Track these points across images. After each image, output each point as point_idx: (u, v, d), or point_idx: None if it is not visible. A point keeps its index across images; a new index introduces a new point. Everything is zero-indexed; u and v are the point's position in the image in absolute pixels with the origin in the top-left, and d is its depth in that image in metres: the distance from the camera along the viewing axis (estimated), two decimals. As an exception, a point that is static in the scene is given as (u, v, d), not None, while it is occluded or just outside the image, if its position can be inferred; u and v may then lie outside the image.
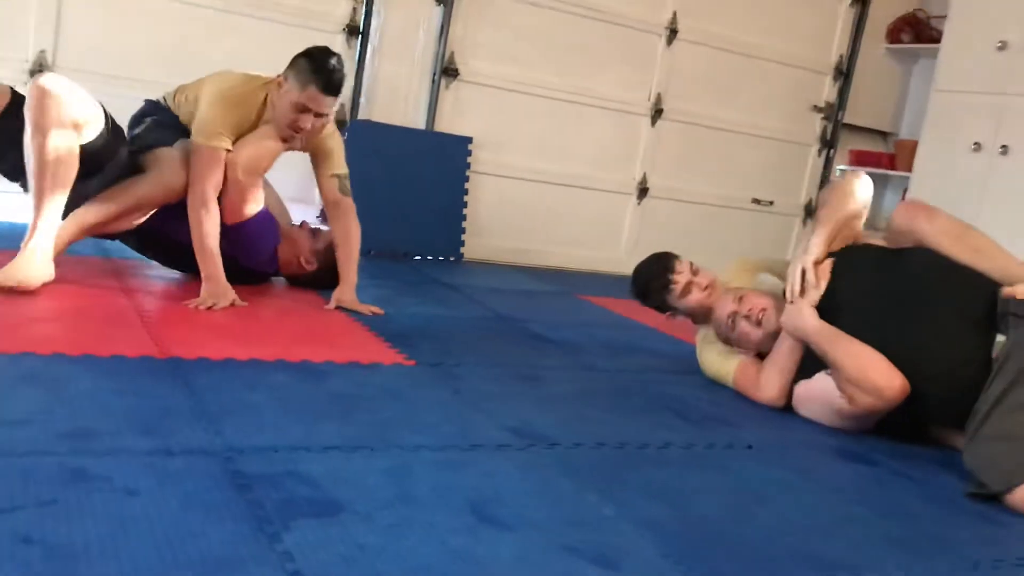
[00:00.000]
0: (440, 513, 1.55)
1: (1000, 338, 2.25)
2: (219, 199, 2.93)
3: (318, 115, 2.90)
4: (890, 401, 2.26)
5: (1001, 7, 4.88)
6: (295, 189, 3.70)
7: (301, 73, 2.86)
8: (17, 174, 2.81)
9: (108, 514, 1.35)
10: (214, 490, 1.50)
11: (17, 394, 1.82)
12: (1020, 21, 4.78)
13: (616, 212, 5.17)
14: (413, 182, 4.50)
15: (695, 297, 2.79)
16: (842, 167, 5.80)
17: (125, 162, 2.90)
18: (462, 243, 4.65)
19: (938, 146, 5.15)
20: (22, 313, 2.39)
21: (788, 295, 2.55)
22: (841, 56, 5.59)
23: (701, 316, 2.85)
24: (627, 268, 2.99)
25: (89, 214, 2.82)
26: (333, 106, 2.94)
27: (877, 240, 2.68)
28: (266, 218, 3.10)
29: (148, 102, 3.15)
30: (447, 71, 4.54)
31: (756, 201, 5.53)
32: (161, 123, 3.04)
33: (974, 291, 2.32)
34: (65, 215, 2.76)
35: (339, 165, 3.15)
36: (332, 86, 2.86)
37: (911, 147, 5.39)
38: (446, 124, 4.61)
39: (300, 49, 2.93)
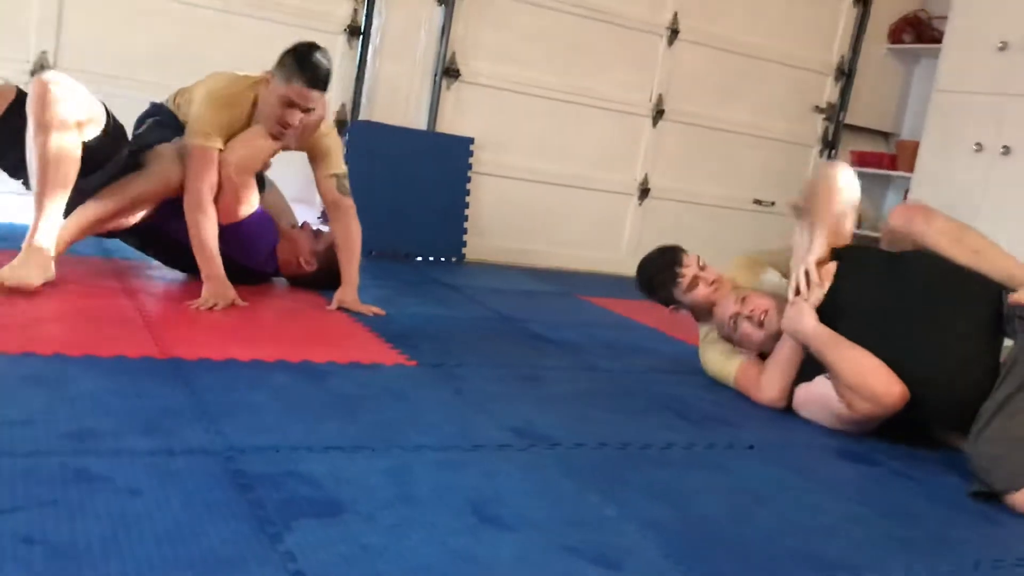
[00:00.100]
0: (441, 513, 1.55)
1: (1007, 342, 2.25)
2: (215, 200, 2.94)
3: (305, 110, 2.90)
4: (888, 408, 2.26)
5: (1002, 8, 4.88)
6: (296, 189, 3.70)
7: (286, 69, 2.87)
8: (20, 171, 2.82)
9: (110, 514, 1.36)
10: (216, 490, 1.50)
11: (19, 394, 1.82)
12: (1021, 21, 4.78)
13: (617, 213, 5.17)
14: (414, 183, 4.50)
15: (701, 292, 2.78)
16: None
17: (126, 161, 2.90)
18: (463, 244, 4.65)
19: (939, 147, 5.15)
20: (24, 313, 2.39)
21: (790, 295, 2.54)
22: (842, 56, 5.59)
23: (704, 312, 2.84)
24: (628, 269, 2.99)
25: (89, 211, 2.82)
26: (321, 101, 2.93)
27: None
28: (262, 217, 3.11)
29: (153, 104, 3.17)
30: (448, 71, 4.54)
31: (757, 202, 5.53)
32: (162, 123, 3.05)
33: (980, 296, 2.31)
34: (66, 214, 2.77)
35: (337, 165, 3.15)
36: (316, 80, 2.86)
37: (912, 148, 5.39)
38: (447, 125, 4.61)
39: (300, 50, 2.93)
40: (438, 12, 4.49)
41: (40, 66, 3.72)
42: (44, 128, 2.60)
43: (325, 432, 1.86)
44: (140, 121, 3.12)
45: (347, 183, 3.16)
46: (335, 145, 3.17)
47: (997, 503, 2.02)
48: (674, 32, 5.03)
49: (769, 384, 2.57)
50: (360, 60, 4.38)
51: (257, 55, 2.99)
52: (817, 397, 2.43)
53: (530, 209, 4.88)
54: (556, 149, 4.91)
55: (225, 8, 4.02)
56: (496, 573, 1.39)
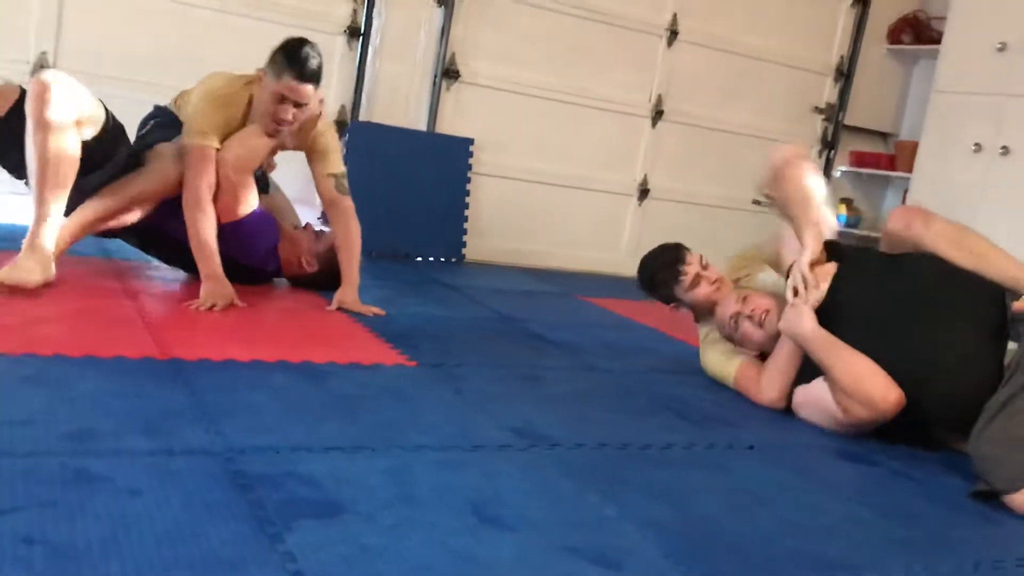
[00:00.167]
0: (441, 514, 1.55)
1: (1012, 346, 2.24)
2: (214, 199, 2.94)
3: (298, 105, 2.90)
4: (884, 414, 2.25)
5: (1001, 8, 4.88)
6: (296, 189, 3.70)
7: (276, 65, 2.87)
8: (22, 171, 2.82)
9: (110, 514, 1.36)
10: (215, 490, 1.50)
11: (19, 395, 1.82)
12: (1020, 22, 4.78)
13: (617, 213, 5.18)
14: (414, 183, 4.50)
15: (703, 291, 2.78)
16: (843, 167, 5.80)
17: (126, 160, 2.91)
18: (463, 244, 4.65)
19: (938, 147, 5.15)
20: (24, 314, 2.39)
21: (788, 297, 2.54)
22: (842, 57, 5.59)
23: (704, 312, 2.84)
24: (628, 269, 2.99)
25: (89, 211, 2.83)
26: (313, 95, 2.93)
27: None
28: (262, 216, 3.11)
29: (156, 107, 3.19)
30: (448, 72, 4.54)
31: (757, 202, 5.53)
32: (164, 124, 3.07)
33: (984, 299, 2.30)
34: (66, 214, 2.77)
35: (335, 164, 3.16)
36: (307, 74, 2.86)
37: (911, 148, 5.40)
38: (447, 125, 4.61)
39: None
40: (438, 13, 4.49)
41: (40, 67, 3.71)
42: (43, 127, 2.60)
43: (325, 432, 1.86)
44: (143, 123, 3.14)
45: (346, 183, 3.16)
46: (333, 145, 3.17)
47: (997, 503, 2.02)
48: (673, 33, 5.04)
49: (769, 385, 2.57)
50: (360, 61, 4.38)
51: (256, 56, 2.99)
52: (815, 399, 2.43)
53: (530, 210, 4.89)
54: (556, 150, 4.91)
55: (224, 9, 4.02)
56: (496, 573, 1.39)
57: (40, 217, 2.65)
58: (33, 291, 2.55)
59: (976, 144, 4.92)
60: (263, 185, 3.41)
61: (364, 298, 3.06)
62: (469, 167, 4.67)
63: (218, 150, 2.93)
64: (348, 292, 3.03)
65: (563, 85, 4.83)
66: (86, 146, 2.71)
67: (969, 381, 2.22)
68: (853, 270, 2.52)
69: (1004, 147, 4.80)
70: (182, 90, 3.12)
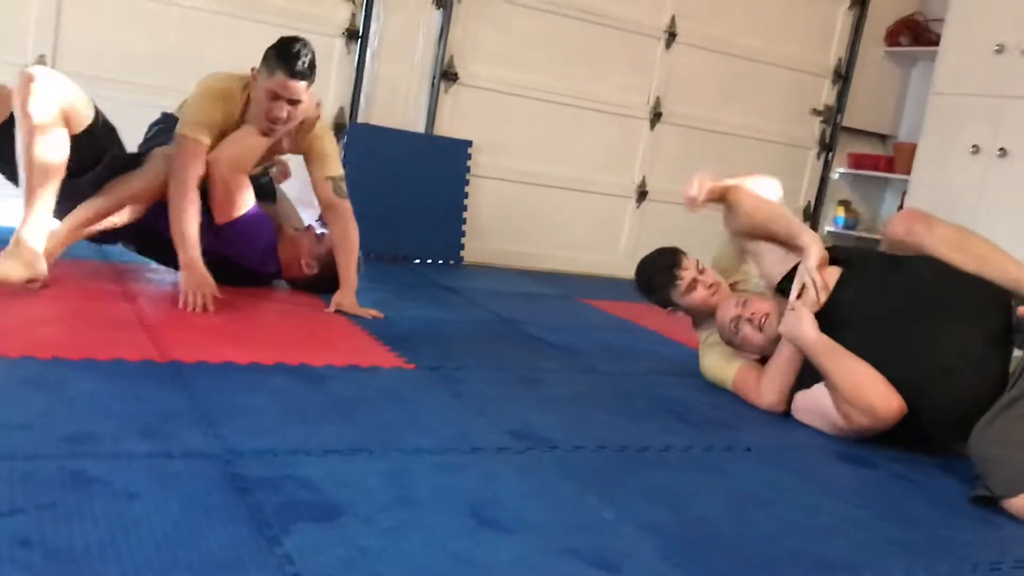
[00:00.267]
0: (440, 516, 1.55)
1: (1017, 352, 2.23)
2: (208, 199, 2.95)
3: (291, 102, 2.90)
4: (885, 423, 2.24)
5: (999, 10, 4.89)
6: (295, 191, 3.70)
7: (269, 62, 2.88)
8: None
9: (108, 517, 1.35)
10: (214, 493, 1.50)
11: (17, 398, 1.82)
12: (1018, 24, 4.79)
13: (615, 215, 5.18)
14: (413, 185, 4.50)
15: (699, 295, 2.78)
16: (841, 169, 5.81)
17: (122, 162, 2.91)
18: (462, 246, 4.65)
19: (937, 149, 5.15)
20: (22, 317, 2.39)
21: (791, 300, 2.52)
22: (840, 59, 5.60)
23: (702, 315, 2.84)
24: (626, 271, 2.99)
25: (83, 211, 2.84)
26: (307, 92, 2.93)
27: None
28: (257, 216, 3.10)
29: (164, 114, 3.21)
30: (446, 75, 4.54)
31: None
32: (167, 130, 3.08)
33: (988, 305, 2.29)
34: (61, 217, 2.78)
35: (333, 167, 3.15)
36: (298, 71, 2.85)
37: (910, 150, 5.40)
38: (446, 127, 4.61)
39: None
40: (436, 15, 4.49)
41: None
42: (28, 117, 2.61)
43: (323, 435, 1.86)
44: (149, 129, 3.16)
45: (343, 185, 3.16)
46: (331, 147, 3.17)
47: (995, 507, 2.02)
48: (672, 35, 5.04)
49: (768, 388, 2.56)
50: (358, 63, 4.38)
51: (255, 58, 2.99)
52: (815, 405, 2.43)
53: (528, 212, 4.89)
54: (554, 152, 4.91)
55: (223, 11, 4.02)
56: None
57: (29, 213, 2.66)
58: (21, 288, 2.55)
59: (974, 146, 4.93)
60: (269, 193, 3.42)
61: (362, 300, 3.06)
62: (467, 169, 4.67)
63: (211, 148, 2.93)
64: (346, 294, 3.04)
65: (561, 87, 4.83)
66: (76, 142, 2.71)
67: (971, 384, 2.21)
68: (856, 274, 2.51)
69: (1002, 149, 4.81)
70: (186, 97, 3.12)
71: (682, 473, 2.00)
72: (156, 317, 2.62)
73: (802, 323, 2.43)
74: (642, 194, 5.21)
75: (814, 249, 2.53)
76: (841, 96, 5.64)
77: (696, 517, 1.75)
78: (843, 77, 5.62)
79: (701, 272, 2.80)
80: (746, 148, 5.39)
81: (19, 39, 3.72)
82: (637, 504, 1.75)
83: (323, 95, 3.97)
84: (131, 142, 3.12)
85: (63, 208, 2.87)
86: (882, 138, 5.96)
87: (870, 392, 2.24)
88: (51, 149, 2.65)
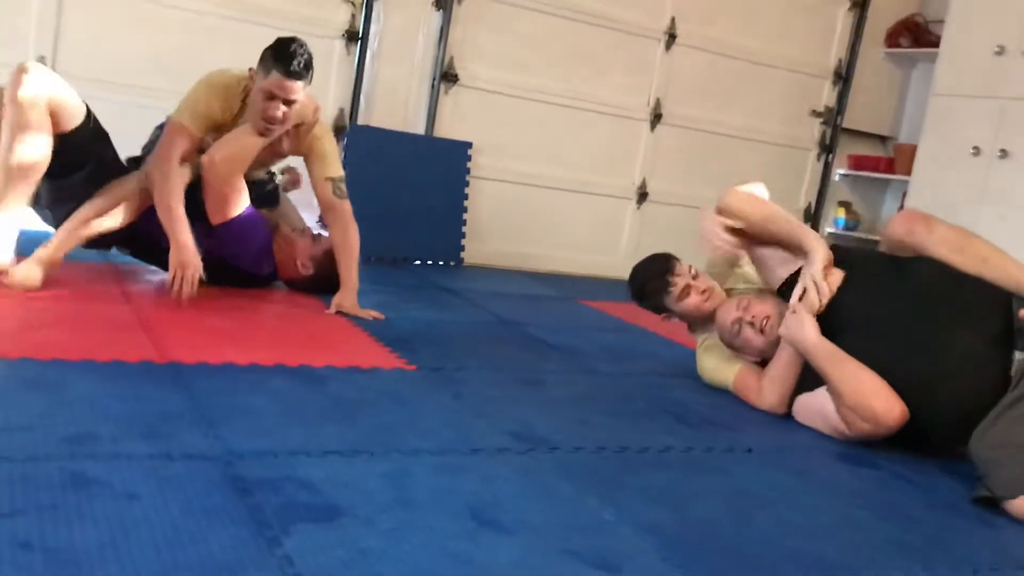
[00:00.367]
0: (440, 517, 1.55)
1: (1018, 355, 2.22)
2: (203, 200, 2.96)
3: (287, 102, 2.91)
4: (888, 429, 2.24)
5: (999, 12, 4.89)
6: (296, 192, 3.71)
7: (265, 62, 2.88)
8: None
9: (108, 519, 1.35)
10: (214, 494, 1.50)
11: (17, 399, 1.82)
12: (1018, 25, 4.79)
13: (616, 217, 5.18)
14: (413, 187, 4.50)
15: (693, 301, 2.78)
16: (841, 171, 5.81)
17: (117, 167, 2.92)
18: (462, 248, 4.65)
19: (937, 150, 5.15)
20: (22, 318, 2.39)
21: (792, 302, 2.50)
22: (840, 60, 5.60)
23: (697, 321, 2.84)
24: (626, 273, 2.99)
25: (79, 214, 2.84)
26: (302, 91, 2.93)
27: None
28: (252, 217, 3.10)
29: (168, 117, 3.20)
30: (446, 76, 4.54)
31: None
32: None
33: (989, 307, 2.28)
34: (56, 225, 2.81)
35: (333, 168, 3.15)
36: (294, 70, 2.85)
37: (910, 151, 5.40)
38: (445, 129, 4.61)
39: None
40: (436, 17, 4.49)
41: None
42: (15, 103, 2.64)
43: (324, 436, 1.86)
44: (153, 133, 3.17)
45: (343, 187, 3.16)
46: (331, 148, 3.17)
47: (997, 509, 2.02)
48: (672, 36, 5.04)
49: (769, 391, 2.56)
50: (358, 65, 4.39)
51: (256, 61, 3.00)
52: (817, 408, 2.42)
53: (528, 213, 4.89)
54: (554, 153, 4.91)
55: (224, 14, 4.02)
56: (495, 577, 1.39)
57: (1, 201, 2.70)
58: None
59: (975, 147, 4.93)
60: (272, 198, 3.42)
61: (363, 302, 3.06)
62: (467, 171, 4.67)
63: (203, 141, 2.94)
64: (347, 296, 3.04)
65: (562, 89, 4.83)
66: (62, 140, 2.73)
67: (973, 387, 2.20)
68: (858, 277, 2.49)
69: (1003, 150, 4.81)
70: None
71: (682, 474, 2.00)
72: (156, 318, 2.62)
73: (803, 326, 2.42)
74: (642, 195, 5.21)
75: (819, 253, 2.51)
76: (841, 97, 5.64)
77: (696, 518, 1.75)
78: (843, 78, 5.62)
79: (694, 278, 2.79)
80: (746, 149, 5.39)
81: (19, 41, 3.72)
82: (637, 505, 1.75)
83: (323, 97, 3.97)
84: (131, 144, 3.12)
85: (57, 213, 2.88)
86: (882, 139, 5.96)
87: (872, 398, 2.23)
88: (33, 147, 2.67)
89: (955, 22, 5.10)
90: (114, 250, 3.20)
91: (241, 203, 3.05)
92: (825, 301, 2.46)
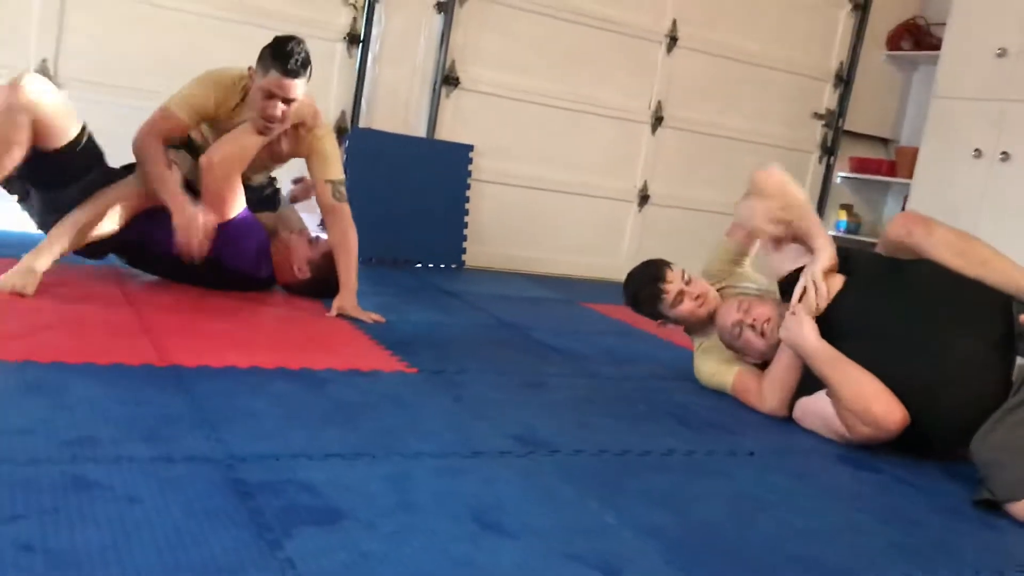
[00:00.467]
0: (442, 520, 1.55)
1: (1020, 360, 2.21)
2: (199, 200, 2.97)
3: (286, 100, 2.91)
4: (889, 434, 2.23)
5: (1000, 14, 4.89)
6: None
7: (264, 60, 2.90)
8: (24, 197, 2.91)
9: (110, 522, 1.35)
10: (216, 497, 1.50)
11: (19, 403, 1.82)
12: (1019, 27, 4.79)
13: (617, 219, 5.18)
14: (414, 190, 4.50)
15: (686, 307, 2.76)
16: (843, 173, 5.81)
17: (110, 177, 2.93)
18: (463, 250, 4.66)
19: (939, 153, 5.15)
20: (23, 321, 2.39)
21: (792, 303, 2.50)
22: (841, 63, 5.60)
23: (692, 325, 2.83)
24: (628, 275, 2.99)
25: (69, 219, 2.83)
26: (300, 90, 2.93)
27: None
28: (248, 219, 3.09)
29: None
30: (448, 79, 4.55)
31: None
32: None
33: (990, 311, 2.27)
34: (46, 230, 2.84)
35: (333, 171, 3.15)
36: (292, 68, 2.86)
37: (912, 154, 5.40)
38: (447, 132, 4.62)
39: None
40: (437, 20, 4.50)
41: (41, 75, 3.72)
42: (3, 92, 2.67)
43: (325, 439, 1.86)
44: None
45: (344, 189, 3.16)
46: (332, 150, 3.18)
47: (998, 511, 2.02)
48: (673, 39, 5.04)
49: (770, 393, 2.56)
50: (360, 68, 4.39)
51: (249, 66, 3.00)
52: (818, 412, 2.41)
53: (530, 216, 4.89)
54: (555, 156, 4.91)
55: (227, 17, 4.03)
56: (496, 580, 1.39)
57: None
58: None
59: (976, 150, 4.93)
60: (271, 202, 3.42)
61: (364, 304, 3.06)
62: (469, 173, 4.67)
63: (191, 130, 2.99)
64: (347, 298, 3.03)
65: (563, 91, 4.83)
66: (49, 156, 2.77)
67: (974, 391, 2.19)
68: (858, 279, 2.49)
69: (1004, 153, 4.81)
70: None
71: (684, 477, 2.00)
72: (157, 321, 2.62)
73: (803, 329, 2.42)
74: (644, 198, 5.21)
75: (825, 254, 2.50)
76: (843, 100, 5.64)
77: (698, 521, 1.75)
78: (844, 81, 5.62)
79: (687, 283, 2.77)
80: (747, 152, 5.38)
81: (21, 43, 3.73)
82: (639, 508, 1.75)
83: (324, 99, 3.97)
84: (128, 146, 3.13)
85: (47, 220, 2.88)
86: (884, 142, 5.96)
87: (873, 403, 2.23)
88: (9, 122, 2.68)
89: (956, 24, 5.10)
90: (112, 257, 3.20)
91: (238, 203, 3.05)
92: (824, 305, 2.45)
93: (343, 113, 4.40)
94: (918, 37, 5.65)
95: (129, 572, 1.23)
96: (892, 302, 2.40)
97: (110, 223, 2.89)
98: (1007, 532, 1.94)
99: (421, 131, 4.58)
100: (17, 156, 2.70)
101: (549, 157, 4.89)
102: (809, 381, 2.46)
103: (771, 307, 2.62)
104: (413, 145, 4.53)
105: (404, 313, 3.26)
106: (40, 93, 2.72)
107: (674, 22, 5.02)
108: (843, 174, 5.82)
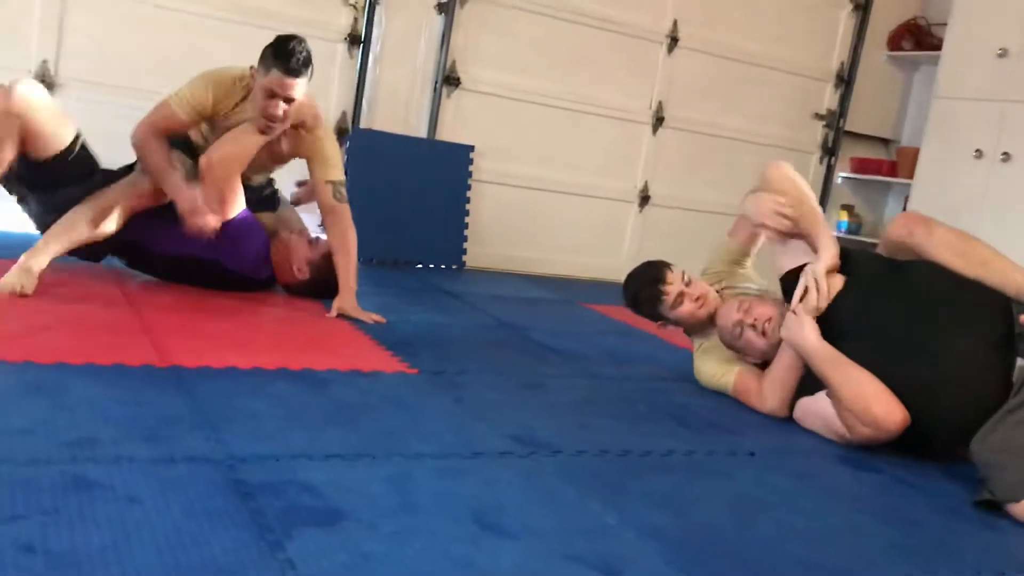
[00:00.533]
0: (442, 521, 1.55)
1: (1020, 361, 2.21)
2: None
3: (287, 99, 2.92)
4: (889, 434, 2.23)
5: (1001, 14, 4.89)
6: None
7: (265, 59, 2.90)
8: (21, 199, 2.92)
9: (110, 522, 1.35)
10: (216, 498, 1.50)
11: (19, 403, 1.82)
12: (1020, 28, 4.79)
13: (618, 220, 5.18)
14: (415, 190, 4.50)
15: (687, 308, 2.75)
16: (844, 174, 5.81)
17: (112, 174, 2.94)
18: (464, 251, 4.66)
19: (939, 153, 5.15)
20: (24, 322, 2.39)
21: (793, 303, 2.50)
22: (842, 63, 5.60)
23: (693, 327, 2.83)
24: (628, 276, 2.99)
25: (66, 220, 2.84)
26: (301, 89, 2.94)
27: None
28: (248, 220, 3.09)
29: None
30: (448, 79, 4.55)
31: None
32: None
33: (990, 312, 2.27)
34: (43, 231, 2.85)
35: (334, 172, 3.16)
36: (293, 67, 2.86)
37: (912, 154, 5.40)
38: (447, 132, 4.62)
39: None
40: (438, 20, 4.50)
41: (42, 76, 3.72)
42: None
43: (326, 440, 1.86)
44: None
45: (344, 190, 3.16)
46: (333, 151, 3.18)
47: (999, 512, 2.02)
48: (674, 40, 5.04)
49: (770, 394, 2.55)
50: (360, 68, 4.39)
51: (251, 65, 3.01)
52: (818, 413, 2.41)
53: (530, 216, 4.89)
54: (556, 157, 4.91)
55: (228, 18, 4.03)
56: (497, 581, 1.39)
57: None
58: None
59: (977, 150, 4.93)
60: (270, 203, 3.42)
61: (364, 305, 3.06)
62: (470, 174, 4.67)
63: (189, 125, 3.01)
64: (347, 298, 3.03)
65: (563, 92, 4.83)
66: (38, 165, 2.78)
67: (974, 392, 2.19)
68: (858, 280, 2.49)
69: (1005, 153, 4.81)
70: None
71: (685, 478, 1.99)
72: (157, 321, 2.62)
73: (804, 329, 2.41)
74: (644, 199, 5.21)
75: (828, 254, 2.50)
76: (843, 100, 5.64)
77: (699, 522, 1.75)
78: (845, 81, 5.62)
79: (687, 285, 2.76)
80: (748, 152, 5.38)
81: (22, 44, 3.73)
82: (640, 509, 1.75)
83: (325, 100, 3.97)
84: (130, 148, 3.13)
85: (44, 220, 2.88)
86: (885, 142, 5.96)
87: (873, 404, 2.23)
88: None
89: (957, 25, 5.10)
90: (112, 258, 3.20)
91: (238, 204, 3.05)
92: (824, 305, 2.45)
93: (344, 114, 4.40)
94: (919, 37, 5.64)
95: (129, 572, 1.23)
96: (892, 302, 2.40)
97: (108, 224, 2.88)
98: (1008, 533, 1.94)
99: (422, 132, 4.58)
100: (5, 159, 2.71)
101: (550, 158, 4.89)
102: (809, 381, 2.46)
103: (772, 307, 2.62)
104: (414, 146, 4.53)
105: (405, 314, 3.26)
106: (32, 100, 2.73)
107: (675, 22, 5.02)
108: (844, 174, 5.82)
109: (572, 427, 2.23)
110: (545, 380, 2.66)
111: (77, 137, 2.88)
